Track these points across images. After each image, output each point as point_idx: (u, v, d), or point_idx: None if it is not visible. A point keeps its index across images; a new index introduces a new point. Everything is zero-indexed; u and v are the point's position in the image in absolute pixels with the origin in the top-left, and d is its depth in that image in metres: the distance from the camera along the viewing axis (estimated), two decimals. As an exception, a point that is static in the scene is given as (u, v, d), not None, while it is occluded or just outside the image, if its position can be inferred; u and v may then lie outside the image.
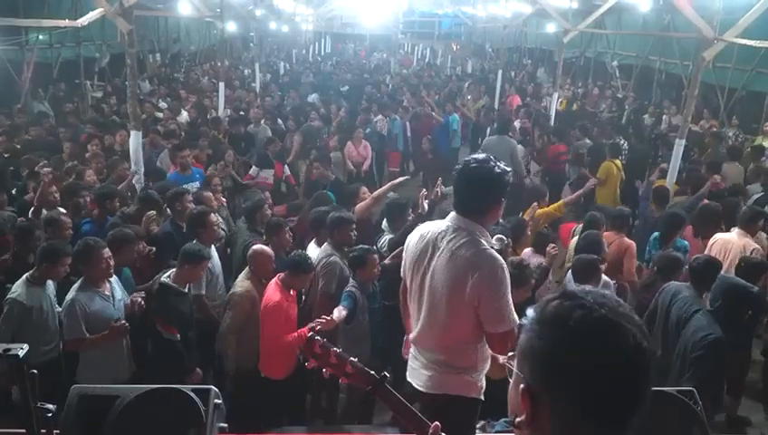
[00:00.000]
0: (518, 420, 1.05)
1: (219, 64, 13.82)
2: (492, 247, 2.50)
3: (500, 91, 14.65)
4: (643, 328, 1.02)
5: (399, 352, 4.65)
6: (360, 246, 4.49)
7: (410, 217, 4.81)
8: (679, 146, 7.30)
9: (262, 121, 9.71)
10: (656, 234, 5.47)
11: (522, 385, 1.04)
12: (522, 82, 17.01)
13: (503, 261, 2.46)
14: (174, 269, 4.13)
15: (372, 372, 1.65)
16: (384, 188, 5.75)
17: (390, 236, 4.96)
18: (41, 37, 11.57)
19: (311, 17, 25.80)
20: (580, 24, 12.07)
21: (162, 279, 4.08)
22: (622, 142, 9.16)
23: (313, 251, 4.77)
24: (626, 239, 5.22)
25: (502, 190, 2.50)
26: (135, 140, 6.72)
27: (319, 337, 1.67)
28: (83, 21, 7.17)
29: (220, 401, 2.33)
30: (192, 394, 2.28)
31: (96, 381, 3.28)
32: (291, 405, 4.43)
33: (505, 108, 13.47)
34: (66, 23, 8.15)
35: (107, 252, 3.89)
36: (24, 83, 11.13)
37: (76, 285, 3.85)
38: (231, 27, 14.37)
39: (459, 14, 24.33)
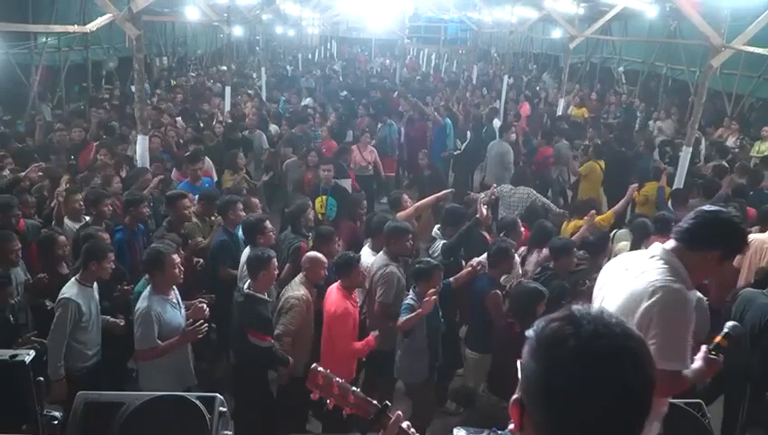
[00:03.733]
0: (510, 426, 1.06)
1: (225, 68, 13.83)
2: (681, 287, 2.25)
3: (505, 97, 14.64)
4: (643, 361, 0.98)
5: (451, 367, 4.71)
6: (428, 259, 4.46)
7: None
8: (686, 152, 7.28)
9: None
10: None
11: (515, 395, 1.05)
12: (528, 88, 17.02)
13: (691, 300, 2.24)
14: (249, 281, 4.12)
15: (375, 402, 1.64)
16: (427, 199, 5.92)
17: (443, 241, 5.01)
18: (49, 41, 11.63)
19: (316, 21, 25.88)
20: (587, 30, 12.07)
21: (245, 290, 4.07)
22: (599, 142, 9.29)
23: (367, 255, 4.77)
24: None
25: (721, 238, 2.25)
26: (142, 144, 6.74)
27: (321, 368, 1.66)
28: (92, 26, 7.20)
29: (225, 409, 2.33)
30: (197, 402, 2.29)
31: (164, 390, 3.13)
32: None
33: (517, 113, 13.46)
34: (75, 28, 8.15)
35: (176, 257, 3.85)
36: (32, 86, 11.20)
37: (146, 293, 3.79)
38: (237, 32, 14.40)
39: (465, 19, 24.31)
